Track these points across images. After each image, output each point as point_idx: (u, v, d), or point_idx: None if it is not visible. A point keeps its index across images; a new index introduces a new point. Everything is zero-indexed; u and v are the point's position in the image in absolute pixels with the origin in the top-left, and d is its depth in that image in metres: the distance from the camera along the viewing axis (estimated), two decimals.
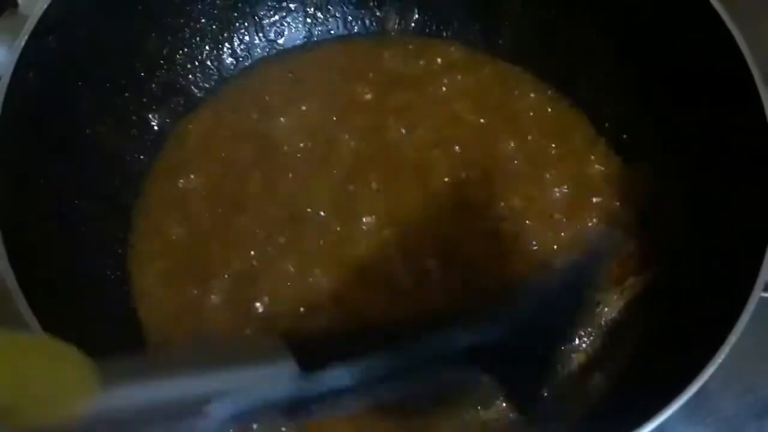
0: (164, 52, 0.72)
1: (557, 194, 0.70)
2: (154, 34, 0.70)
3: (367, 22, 0.79)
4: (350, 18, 0.79)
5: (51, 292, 0.55)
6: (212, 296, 0.65)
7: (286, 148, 0.71)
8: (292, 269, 0.65)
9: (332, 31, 0.79)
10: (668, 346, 0.60)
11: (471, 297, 0.63)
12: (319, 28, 0.78)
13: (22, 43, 0.57)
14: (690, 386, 0.50)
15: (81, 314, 0.58)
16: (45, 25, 0.58)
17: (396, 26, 0.79)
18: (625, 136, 0.72)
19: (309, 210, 0.68)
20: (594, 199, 0.70)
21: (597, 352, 0.64)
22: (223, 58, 0.76)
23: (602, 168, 0.71)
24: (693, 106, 0.66)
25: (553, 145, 0.72)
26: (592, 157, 0.72)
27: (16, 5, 0.63)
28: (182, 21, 0.72)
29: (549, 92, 0.75)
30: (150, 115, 0.71)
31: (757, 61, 0.58)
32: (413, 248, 0.66)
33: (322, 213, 0.68)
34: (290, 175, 0.70)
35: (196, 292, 0.65)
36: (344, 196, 0.69)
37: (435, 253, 0.66)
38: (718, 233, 0.61)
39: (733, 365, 0.52)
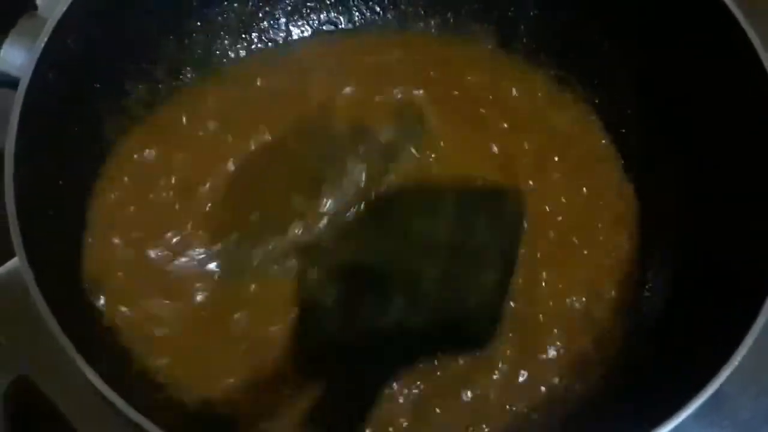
0: (182, 54, 0.72)
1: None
2: (171, 37, 0.71)
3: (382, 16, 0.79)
4: (365, 12, 0.79)
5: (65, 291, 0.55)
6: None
7: None
8: None
9: (339, 26, 0.79)
10: (684, 348, 0.60)
11: None
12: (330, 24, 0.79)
13: (42, 45, 0.58)
14: (706, 389, 0.50)
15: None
16: (64, 27, 0.59)
17: (414, 24, 0.79)
18: (636, 137, 0.72)
19: None
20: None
21: (612, 353, 0.64)
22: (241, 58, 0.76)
23: (616, 176, 0.72)
24: (705, 108, 0.66)
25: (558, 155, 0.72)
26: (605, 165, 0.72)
27: (35, 8, 0.64)
28: (199, 24, 0.73)
29: (566, 94, 0.75)
30: None
31: None
32: None
33: None
34: None
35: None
36: None
37: None
38: (733, 235, 0.61)
39: (749, 367, 0.52)
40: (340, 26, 0.79)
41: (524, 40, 0.76)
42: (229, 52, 0.76)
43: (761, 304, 0.52)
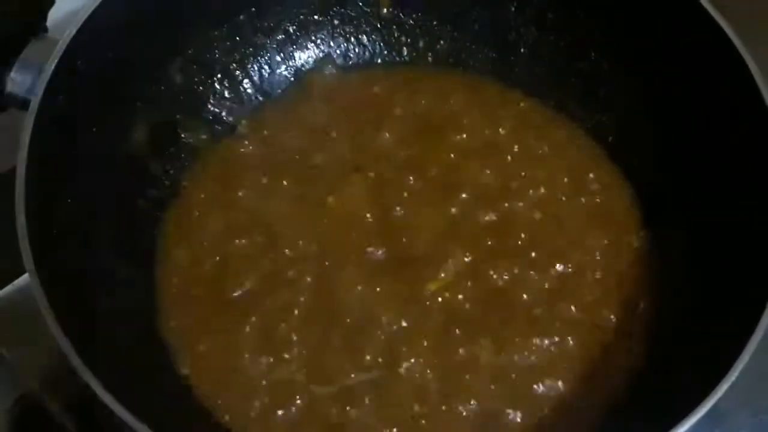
0: (190, 76, 0.74)
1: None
2: (179, 58, 0.72)
3: (386, 50, 0.81)
4: (372, 46, 0.80)
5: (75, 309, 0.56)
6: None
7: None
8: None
9: (351, 60, 0.80)
10: (680, 364, 0.61)
11: None
12: (341, 56, 0.80)
13: (52, 68, 0.58)
14: (703, 405, 0.51)
15: (111, 338, 0.59)
16: (74, 49, 0.60)
17: (414, 55, 0.80)
18: (634, 155, 0.73)
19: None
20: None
21: (607, 370, 0.65)
22: (246, 89, 0.77)
23: (611, 186, 0.73)
24: (703, 130, 0.67)
25: (566, 179, 0.73)
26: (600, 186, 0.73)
27: (45, 30, 0.64)
28: (204, 49, 0.74)
29: (565, 121, 0.76)
30: (181, 136, 0.73)
31: None
32: None
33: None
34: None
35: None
36: None
37: None
38: (731, 250, 0.62)
39: (746, 383, 0.52)
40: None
41: (524, 64, 0.78)
42: None
43: (758, 320, 0.53)
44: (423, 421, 0.61)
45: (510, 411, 0.62)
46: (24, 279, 0.59)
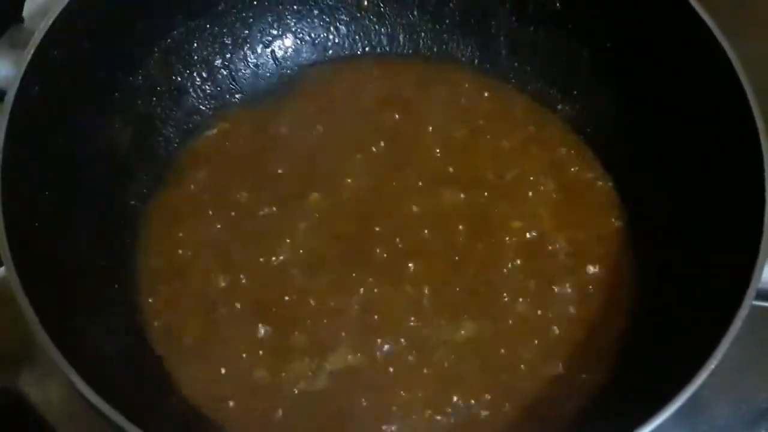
0: (168, 68, 0.73)
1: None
2: (157, 49, 0.72)
3: (366, 41, 0.80)
4: (352, 38, 0.80)
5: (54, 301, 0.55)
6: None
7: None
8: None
9: (330, 51, 0.80)
10: (660, 353, 0.61)
11: None
12: (320, 48, 0.80)
13: (28, 58, 0.58)
14: (682, 393, 0.51)
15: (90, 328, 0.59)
16: (50, 40, 0.59)
17: (394, 46, 0.80)
18: (614, 145, 0.74)
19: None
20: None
21: (592, 356, 0.65)
22: (226, 81, 0.77)
23: (591, 177, 0.73)
24: (684, 121, 0.68)
25: (546, 168, 0.73)
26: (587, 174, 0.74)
27: (21, 20, 0.64)
28: (183, 40, 0.74)
29: (546, 111, 0.77)
30: (161, 129, 0.73)
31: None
32: None
33: None
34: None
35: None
36: None
37: None
38: (711, 241, 0.62)
39: (726, 373, 0.53)
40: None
41: (504, 54, 0.78)
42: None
43: (737, 310, 0.53)
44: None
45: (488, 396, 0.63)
46: (2, 271, 0.58)
